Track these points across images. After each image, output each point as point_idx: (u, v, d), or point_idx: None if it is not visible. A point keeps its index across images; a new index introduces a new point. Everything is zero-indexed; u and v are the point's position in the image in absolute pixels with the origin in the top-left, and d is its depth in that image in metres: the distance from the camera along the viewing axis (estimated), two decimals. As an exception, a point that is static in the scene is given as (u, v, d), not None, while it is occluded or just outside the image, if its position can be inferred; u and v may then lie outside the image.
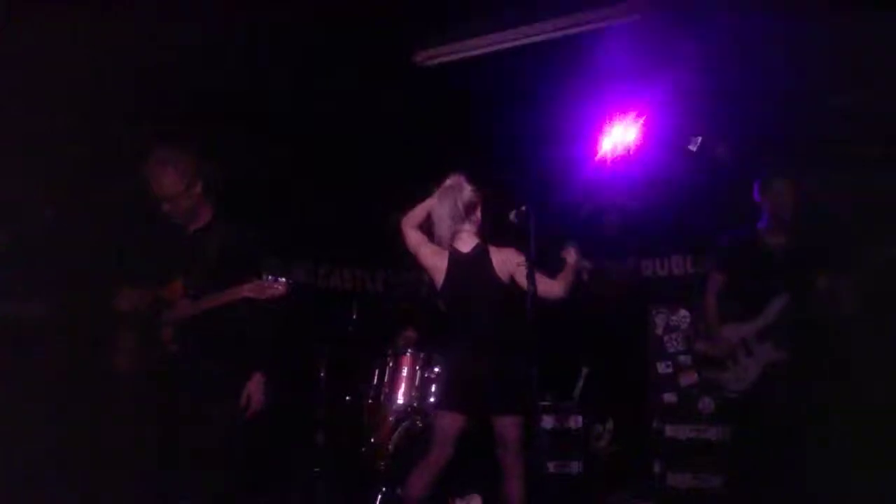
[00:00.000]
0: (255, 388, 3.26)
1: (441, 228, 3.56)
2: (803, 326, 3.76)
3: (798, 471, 3.62)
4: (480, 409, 3.43)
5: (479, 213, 3.63)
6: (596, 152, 5.09)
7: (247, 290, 3.17)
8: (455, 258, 3.55)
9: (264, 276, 3.20)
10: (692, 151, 5.36)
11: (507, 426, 3.36)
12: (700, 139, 5.38)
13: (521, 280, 3.35)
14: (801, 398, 3.68)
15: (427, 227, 3.66)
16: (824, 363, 3.81)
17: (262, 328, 3.32)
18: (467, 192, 3.57)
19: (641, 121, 5.30)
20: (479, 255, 3.52)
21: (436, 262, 3.57)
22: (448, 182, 3.62)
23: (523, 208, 3.31)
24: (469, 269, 3.52)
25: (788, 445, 3.64)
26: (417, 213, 3.67)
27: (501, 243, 3.58)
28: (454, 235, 3.56)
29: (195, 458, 3.13)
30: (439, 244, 3.59)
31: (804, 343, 3.76)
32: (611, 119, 4.90)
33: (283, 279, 3.21)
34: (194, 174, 3.28)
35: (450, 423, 3.44)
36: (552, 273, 3.54)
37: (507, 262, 3.47)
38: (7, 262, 3.97)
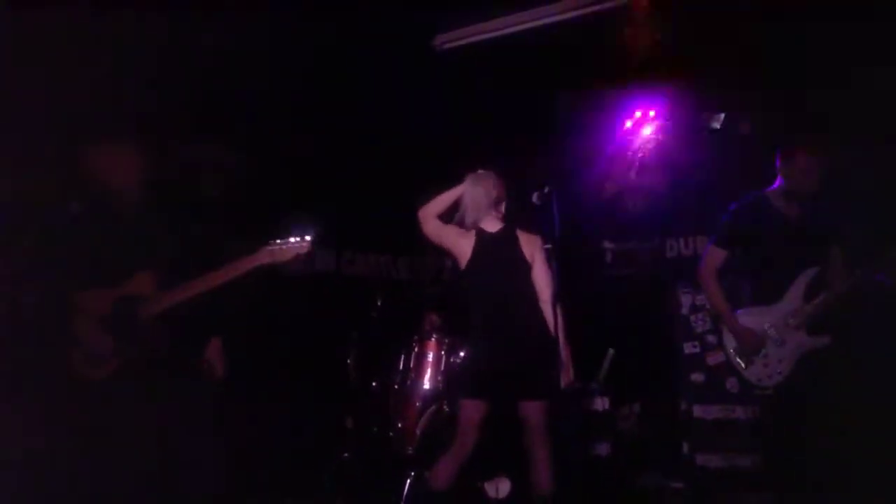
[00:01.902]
0: (215, 355, 3.24)
1: (471, 212, 3.58)
2: (846, 305, 3.45)
3: (847, 474, 3.35)
4: (503, 394, 3.42)
5: (503, 206, 3.67)
6: (619, 132, 5.06)
7: (265, 257, 3.04)
8: (482, 237, 3.57)
9: (275, 240, 3.07)
10: (716, 129, 5.30)
11: (531, 410, 3.36)
12: (723, 116, 5.32)
13: (538, 265, 3.47)
14: (850, 392, 3.39)
15: (447, 216, 3.67)
16: (875, 349, 3.48)
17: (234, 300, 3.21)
18: (496, 181, 3.63)
19: (664, 100, 5.26)
20: (507, 235, 3.57)
21: (461, 243, 3.58)
22: (479, 171, 3.67)
23: (546, 190, 3.30)
24: (496, 247, 3.54)
25: (837, 445, 3.38)
26: (439, 201, 3.67)
27: (524, 226, 3.59)
28: (482, 219, 3.60)
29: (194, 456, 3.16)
30: (466, 227, 3.61)
31: (848, 326, 3.45)
32: (634, 99, 4.85)
33: (307, 237, 3.07)
34: (140, 166, 3.25)
35: (473, 411, 3.44)
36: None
37: (532, 244, 3.52)
38: None
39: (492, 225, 3.60)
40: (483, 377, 3.47)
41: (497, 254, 3.53)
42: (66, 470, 2.95)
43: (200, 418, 3.22)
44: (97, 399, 3.00)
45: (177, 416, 3.07)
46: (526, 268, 3.48)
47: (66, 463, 2.97)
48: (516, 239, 3.54)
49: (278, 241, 3.08)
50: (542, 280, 3.47)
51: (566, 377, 3.35)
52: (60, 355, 3.06)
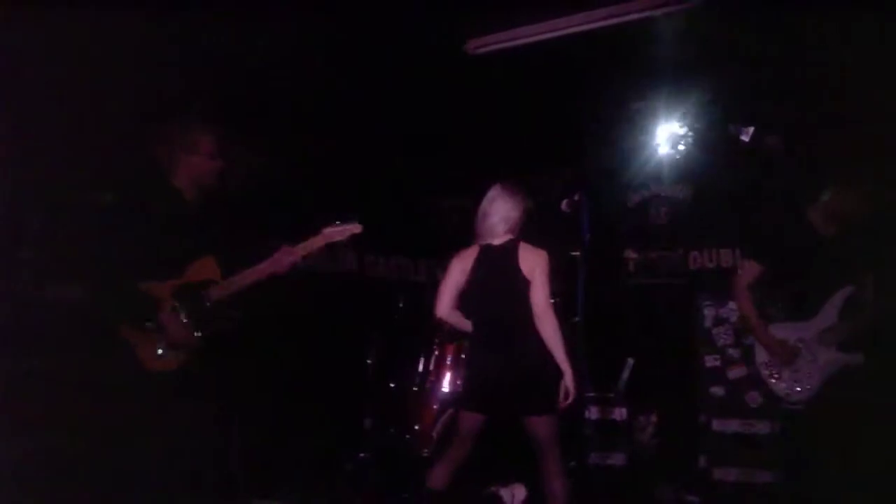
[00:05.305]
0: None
1: (481, 224, 3.50)
2: (879, 328, 3.44)
3: (870, 493, 3.25)
4: (503, 409, 3.37)
5: (516, 215, 3.48)
6: (646, 143, 5.04)
7: (327, 237, 3.27)
8: (485, 249, 3.48)
9: (333, 223, 3.30)
10: (744, 142, 5.27)
11: (536, 425, 3.28)
12: (752, 129, 5.28)
13: (536, 281, 3.29)
14: (879, 411, 3.31)
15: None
16: None
17: None
18: (519, 198, 3.49)
19: (691, 111, 5.24)
20: (509, 248, 3.42)
21: (464, 266, 3.50)
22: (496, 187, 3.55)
23: (576, 197, 3.30)
24: (496, 260, 3.43)
25: (863, 464, 3.31)
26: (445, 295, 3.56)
27: (551, 233, 3.56)
28: (490, 233, 3.48)
29: None
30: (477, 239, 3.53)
31: (881, 345, 3.43)
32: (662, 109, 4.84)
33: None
34: (217, 157, 3.27)
35: (471, 423, 3.42)
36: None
37: (534, 259, 3.35)
38: (41, 246, 4.00)
39: (498, 238, 3.46)
40: (480, 391, 3.42)
41: (494, 268, 3.43)
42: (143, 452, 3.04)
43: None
44: (167, 389, 3.03)
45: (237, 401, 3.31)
46: (522, 283, 3.32)
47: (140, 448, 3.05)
48: (516, 253, 3.38)
49: (337, 223, 3.30)
50: (534, 297, 3.28)
51: (565, 396, 3.26)
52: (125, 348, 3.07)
